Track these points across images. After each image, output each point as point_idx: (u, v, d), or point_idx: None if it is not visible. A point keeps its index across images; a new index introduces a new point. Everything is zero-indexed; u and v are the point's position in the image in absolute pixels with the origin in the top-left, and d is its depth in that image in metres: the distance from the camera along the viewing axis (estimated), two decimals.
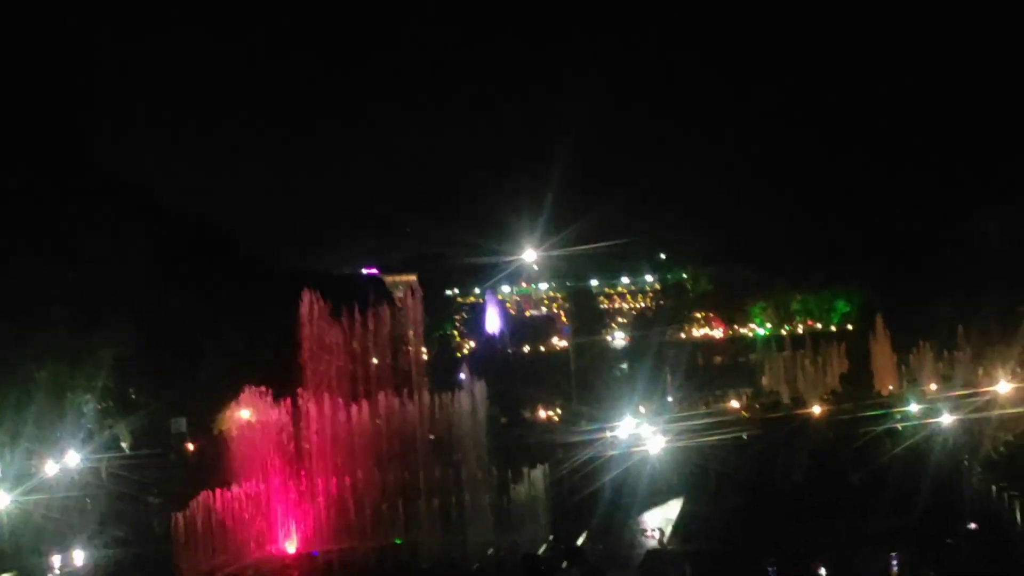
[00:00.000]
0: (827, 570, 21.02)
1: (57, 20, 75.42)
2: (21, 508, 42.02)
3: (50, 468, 51.99)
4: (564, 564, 23.63)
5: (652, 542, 34.90)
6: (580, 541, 34.62)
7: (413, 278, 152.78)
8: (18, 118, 69.38)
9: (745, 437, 54.11)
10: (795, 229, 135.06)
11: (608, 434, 48.15)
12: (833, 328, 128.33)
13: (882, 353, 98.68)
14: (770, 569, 24.69)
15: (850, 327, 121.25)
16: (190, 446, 69.99)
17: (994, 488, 39.17)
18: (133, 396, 77.54)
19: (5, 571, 36.82)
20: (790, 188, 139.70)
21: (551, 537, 35.90)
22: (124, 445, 68.61)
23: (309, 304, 44.31)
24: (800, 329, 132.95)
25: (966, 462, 44.43)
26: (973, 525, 23.17)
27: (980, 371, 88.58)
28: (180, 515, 35.64)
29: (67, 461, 54.24)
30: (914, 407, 55.28)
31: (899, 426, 49.28)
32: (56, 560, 41.14)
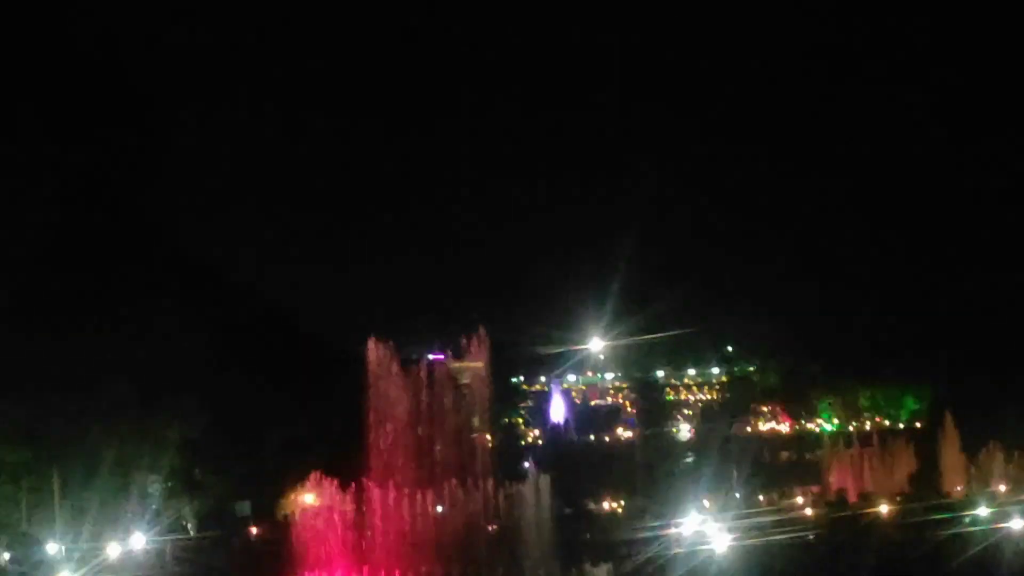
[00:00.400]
0: None
1: (136, 93, 76.54)
2: None
3: (114, 549, 51.98)
4: None
5: None
6: None
7: (480, 364, 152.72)
8: (90, 188, 70.37)
9: (811, 537, 53.44)
10: (864, 323, 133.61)
11: (673, 530, 47.56)
12: (901, 425, 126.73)
13: (951, 452, 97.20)
14: None
15: (918, 424, 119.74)
16: (254, 530, 69.84)
17: None
18: (198, 477, 77.79)
19: None
20: (861, 282, 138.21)
21: None
22: (189, 527, 68.70)
23: (376, 388, 44.03)
24: (868, 425, 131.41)
25: None
26: None
27: None
28: None
29: (132, 542, 54.24)
30: (984, 510, 54.38)
31: (968, 529, 48.37)
32: None
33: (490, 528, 43.52)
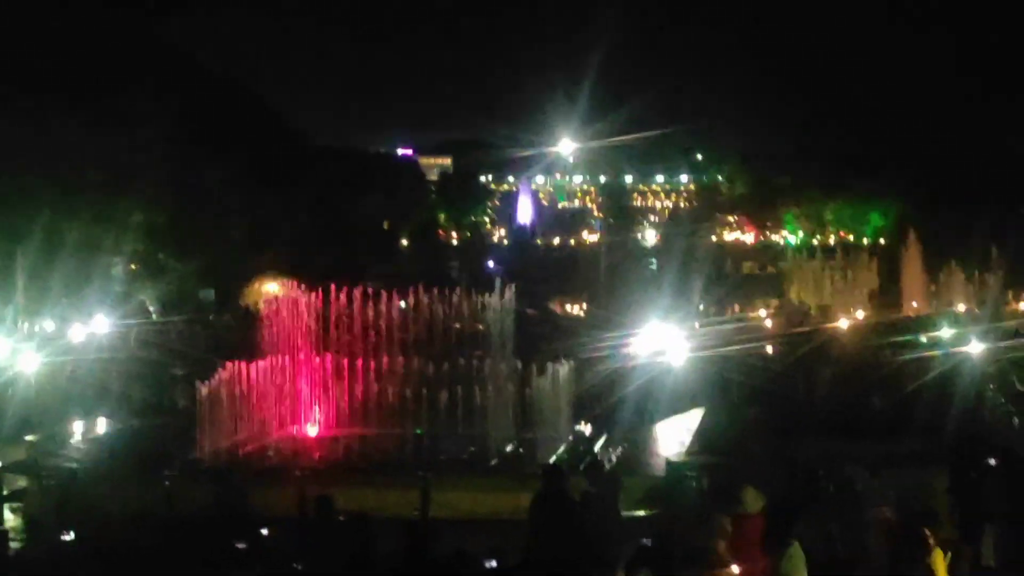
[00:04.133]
0: (840, 487, 20.86)
1: None
2: (49, 370, 42.17)
3: (78, 332, 52.12)
4: (583, 471, 23.53)
5: (671, 451, 34.84)
6: (599, 446, 34.59)
7: (447, 161, 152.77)
8: None
9: (770, 350, 53.97)
10: (834, 137, 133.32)
11: (633, 338, 47.90)
12: (866, 240, 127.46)
13: (913, 270, 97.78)
14: (787, 483, 24.63)
15: (882, 241, 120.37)
16: (218, 317, 70.11)
17: (1016, 421, 39.05)
18: (163, 262, 77.88)
19: (29, 434, 37.04)
20: (833, 93, 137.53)
21: (570, 439, 35.93)
22: (152, 311, 68.95)
23: (344, 181, 43.68)
24: (832, 240, 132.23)
25: (992, 393, 44.07)
26: (993, 461, 22.99)
27: (1010, 295, 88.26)
28: (204, 387, 35.58)
29: (95, 325, 54.36)
30: (945, 331, 54.88)
31: (929, 352, 48.85)
32: (79, 426, 41.37)
33: (455, 327, 43.73)
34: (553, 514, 17.82)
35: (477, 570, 16.02)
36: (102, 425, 42.28)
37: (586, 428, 37.52)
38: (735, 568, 14.73)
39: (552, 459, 30.77)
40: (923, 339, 54.56)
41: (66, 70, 66.67)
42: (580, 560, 16.89)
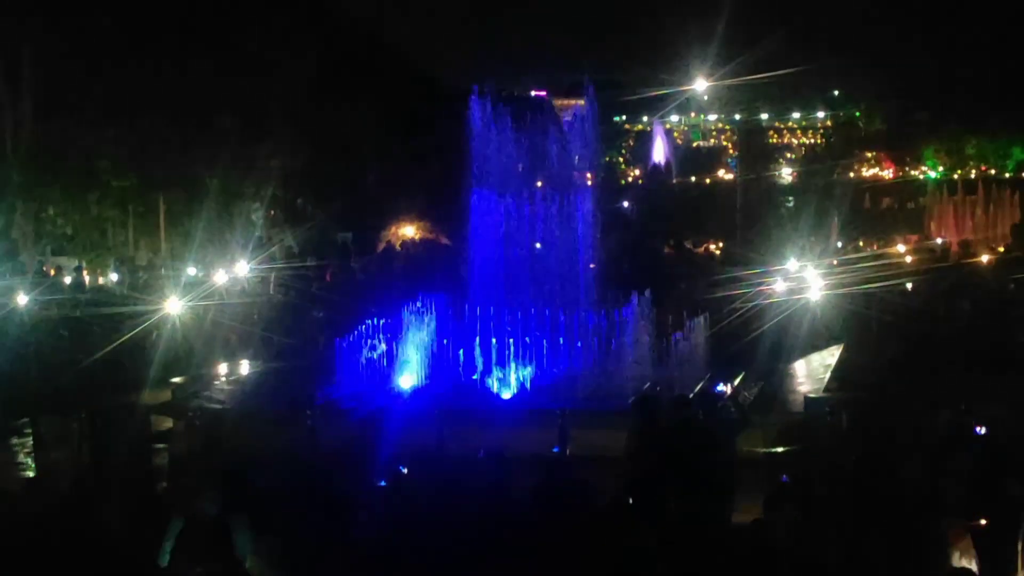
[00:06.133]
0: (985, 426, 20.52)
1: None
2: (193, 314, 43.01)
3: (220, 276, 53.06)
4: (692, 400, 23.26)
5: (809, 388, 34.65)
6: (736, 383, 34.44)
7: (582, 103, 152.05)
8: None
9: (909, 287, 53.23)
10: (975, 70, 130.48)
11: (770, 276, 47.54)
12: (1008, 175, 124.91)
13: None
14: (929, 420, 24.34)
15: None
16: (357, 260, 70.67)
17: None
18: (300, 206, 78.94)
19: (175, 377, 37.92)
20: (975, 26, 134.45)
21: (707, 376, 35.79)
22: (296, 255, 69.84)
23: (479, 120, 43.69)
24: (973, 174, 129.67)
25: None
26: None
27: None
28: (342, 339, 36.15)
29: (236, 270, 55.32)
30: None
31: None
32: (223, 368, 42.21)
33: (590, 266, 43.64)
34: (643, 446, 17.86)
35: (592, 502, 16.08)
36: (245, 367, 43.09)
37: (724, 366, 37.36)
38: None
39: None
40: None
41: (201, 16, 67.49)
42: (682, 493, 16.82)
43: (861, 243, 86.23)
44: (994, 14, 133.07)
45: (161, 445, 28.27)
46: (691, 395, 25.84)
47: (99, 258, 65.30)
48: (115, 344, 38.95)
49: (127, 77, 62.43)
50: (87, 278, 59.91)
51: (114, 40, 62.33)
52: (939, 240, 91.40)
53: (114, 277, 59.75)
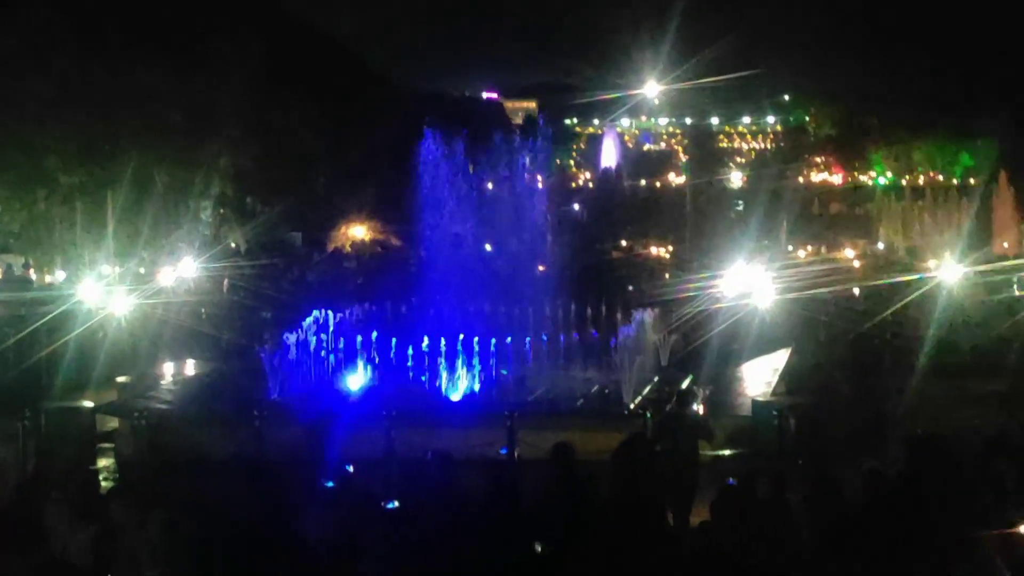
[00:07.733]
0: (928, 430, 20.63)
1: None
2: (139, 313, 42.65)
3: (166, 275, 52.69)
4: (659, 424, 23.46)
5: (757, 391, 34.71)
6: (684, 386, 34.46)
7: (533, 105, 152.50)
8: None
9: (856, 292, 53.54)
10: (922, 75, 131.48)
11: (719, 279, 47.64)
12: (955, 181, 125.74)
13: (1003, 211, 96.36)
14: (873, 425, 24.52)
15: (972, 181, 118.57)
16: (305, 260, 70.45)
17: None
18: (249, 205, 78.53)
19: (120, 376, 37.55)
20: (921, 32, 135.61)
21: (655, 380, 35.85)
22: (241, 250, 69.43)
23: (429, 121, 43.53)
24: (921, 180, 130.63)
25: None
26: None
27: None
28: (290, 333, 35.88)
29: (184, 269, 54.94)
30: None
31: (1019, 294, 48.19)
32: (169, 368, 41.87)
33: (539, 268, 43.70)
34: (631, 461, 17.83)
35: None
36: (192, 367, 42.77)
37: (671, 369, 37.46)
38: None
39: (635, 401, 30.92)
40: (1014, 279, 53.93)
41: (151, 15, 67.03)
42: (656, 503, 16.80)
43: (810, 247, 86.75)
44: (942, 23, 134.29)
45: (107, 445, 28.03)
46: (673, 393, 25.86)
47: (46, 255, 64.70)
48: (59, 343, 38.55)
49: (75, 74, 61.87)
50: (33, 275, 59.37)
51: (62, 36, 61.76)
52: (880, 245, 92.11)
53: (61, 276, 59.25)
